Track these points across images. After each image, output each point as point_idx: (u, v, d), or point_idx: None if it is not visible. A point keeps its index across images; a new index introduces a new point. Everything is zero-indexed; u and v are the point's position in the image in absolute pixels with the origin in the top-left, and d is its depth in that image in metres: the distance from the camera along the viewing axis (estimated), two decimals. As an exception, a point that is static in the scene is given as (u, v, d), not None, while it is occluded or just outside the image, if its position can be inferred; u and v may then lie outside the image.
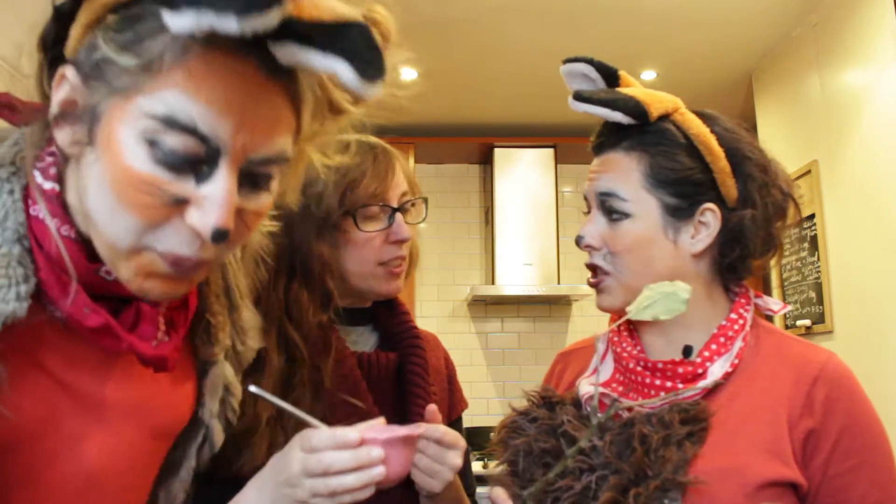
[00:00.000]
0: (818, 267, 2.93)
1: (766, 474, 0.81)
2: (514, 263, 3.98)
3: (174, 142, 0.56)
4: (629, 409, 0.86)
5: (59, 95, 0.60)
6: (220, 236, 0.58)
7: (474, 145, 4.20)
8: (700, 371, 0.87)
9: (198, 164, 0.58)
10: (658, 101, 0.92)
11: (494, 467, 0.86)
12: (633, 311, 0.75)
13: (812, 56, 2.98)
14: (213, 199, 0.57)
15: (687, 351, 0.90)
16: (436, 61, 3.43)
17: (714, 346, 0.89)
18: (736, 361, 0.88)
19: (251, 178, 0.61)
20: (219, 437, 0.81)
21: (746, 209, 0.92)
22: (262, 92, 0.59)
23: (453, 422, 1.22)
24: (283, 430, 0.98)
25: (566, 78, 0.98)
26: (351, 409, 1.02)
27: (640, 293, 0.90)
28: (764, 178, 0.94)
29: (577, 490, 0.76)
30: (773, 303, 0.97)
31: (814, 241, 2.96)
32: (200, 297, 0.76)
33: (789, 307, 1.00)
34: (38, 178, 0.62)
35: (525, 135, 4.17)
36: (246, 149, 0.59)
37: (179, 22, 0.51)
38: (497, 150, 4.12)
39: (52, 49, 0.61)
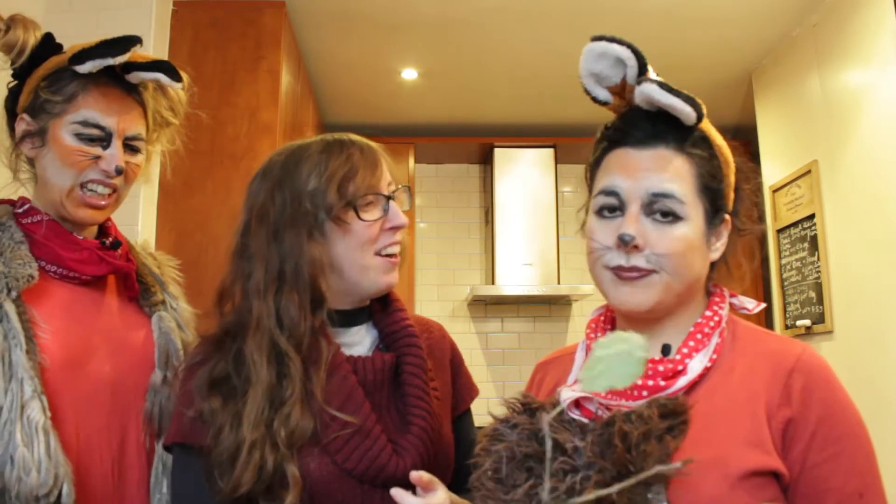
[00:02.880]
0: (818, 267, 2.93)
1: (748, 464, 0.81)
2: (514, 263, 3.99)
3: (89, 131, 1.15)
4: (608, 408, 0.86)
5: (20, 129, 1.18)
6: (119, 170, 1.16)
7: (474, 145, 4.20)
8: (680, 368, 0.88)
9: (101, 141, 1.15)
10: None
11: (478, 475, 0.85)
12: (586, 382, 0.65)
13: (812, 56, 2.98)
14: (112, 155, 1.16)
15: (665, 349, 0.91)
16: (436, 61, 3.43)
17: (692, 343, 0.90)
18: (714, 356, 0.89)
19: (129, 147, 1.20)
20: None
21: (740, 217, 0.96)
22: (125, 102, 1.19)
23: (461, 415, 1.20)
24: (273, 451, 0.96)
25: (592, 58, 0.90)
26: (344, 422, 1.00)
27: (673, 297, 0.90)
28: (752, 195, 0.99)
29: (562, 491, 0.76)
30: (748, 301, 0.98)
31: (814, 241, 2.96)
32: (138, 275, 1.27)
33: (764, 305, 1.00)
34: (16, 209, 1.19)
35: (525, 135, 4.18)
36: (123, 131, 1.18)
37: (85, 67, 1.12)
38: (497, 150, 4.12)
39: (11, 107, 1.21)
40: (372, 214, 1.07)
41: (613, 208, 0.90)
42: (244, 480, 0.95)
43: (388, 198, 1.09)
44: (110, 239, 1.24)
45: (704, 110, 0.88)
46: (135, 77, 1.19)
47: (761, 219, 0.99)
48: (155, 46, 2.32)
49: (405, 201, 1.14)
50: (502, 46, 3.26)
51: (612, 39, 0.89)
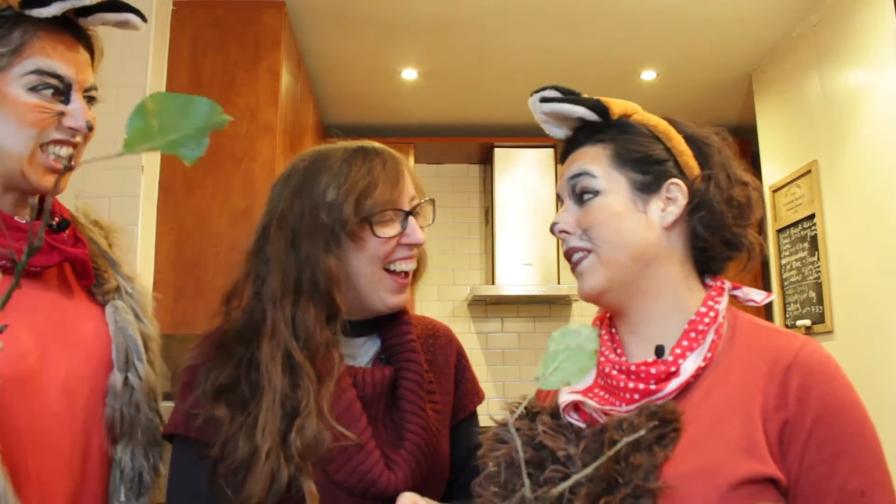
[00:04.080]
0: (818, 267, 2.93)
1: (740, 473, 0.78)
2: (514, 263, 3.99)
3: (47, 81, 0.97)
4: (606, 413, 0.84)
5: None
6: (90, 126, 1.00)
7: (474, 145, 4.20)
8: (673, 370, 0.85)
9: (60, 94, 0.98)
10: (617, 103, 0.98)
11: (479, 480, 0.85)
12: (543, 380, 0.67)
13: (812, 56, 2.98)
14: (78, 110, 0.99)
15: (659, 350, 0.89)
16: (436, 61, 3.43)
17: (685, 343, 0.87)
18: (709, 355, 0.86)
19: (87, 99, 1.03)
20: (145, 370, 1.09)
21: (714, 178, 0.94)
22: (77, 49, 1.01)
23: (463, 420, 1.17)
24: (287, 462, 0.94)
25: (547, 127, 1.07)
26: (341, 434, 0.99)
27: (620, 270, 0.91)
28: (723, 162, 0.96)
29: (549, 501, 0.76)
30: (756, 293, 0.94)
31: (814, 241, 2.96)
32: (92, 258, 1.11)
33: (773, 296, 0.98)
34: None
35: (525, 135, 4.18)
36: (82, 82, 1.01)
37: (51, 10, 0.95)
38: (497, 150, 4.12)
39: None
40: (388, 231, 1.05)
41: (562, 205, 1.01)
42: (255, 492, 0.92)
43: (408, 214, 1.07)
44: (56, 219, 1.05)
45: (606, 103, 0.96)
46: (97, 20, 1.01)
47: (741, 182, 0.96)
48: (155, 46, 2.32)
49: (429, 215, 1.12)
50: (502, 46, 3.26)
51: (542, 89, 1.01)
